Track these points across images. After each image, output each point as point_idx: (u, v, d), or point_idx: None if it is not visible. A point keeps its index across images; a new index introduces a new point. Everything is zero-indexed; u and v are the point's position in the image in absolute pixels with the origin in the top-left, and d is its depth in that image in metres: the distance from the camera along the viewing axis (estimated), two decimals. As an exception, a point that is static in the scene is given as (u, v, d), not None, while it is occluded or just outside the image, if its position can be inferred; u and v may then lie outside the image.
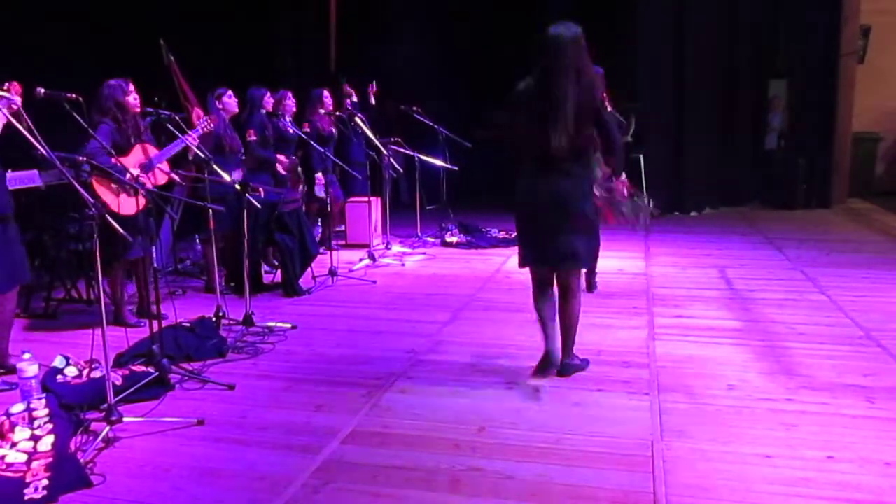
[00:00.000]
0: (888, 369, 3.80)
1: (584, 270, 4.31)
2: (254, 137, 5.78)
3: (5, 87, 3.40)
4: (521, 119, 3.51)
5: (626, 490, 2.66)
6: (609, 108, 3.63)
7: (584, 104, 3.37)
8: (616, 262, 6.47)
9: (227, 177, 4.64)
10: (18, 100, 3.46)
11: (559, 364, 3.70)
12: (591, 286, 5.44)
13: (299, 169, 6.44)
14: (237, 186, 4.52)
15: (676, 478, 2.73)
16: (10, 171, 4.58)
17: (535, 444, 3.04)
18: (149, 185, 4.52)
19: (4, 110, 3.35)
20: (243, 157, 5.71)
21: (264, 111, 6.02)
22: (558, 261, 3.61)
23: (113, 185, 4.35)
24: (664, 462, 2.85)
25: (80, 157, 3.57)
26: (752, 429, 3.14)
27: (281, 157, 6.11)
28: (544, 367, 3.68)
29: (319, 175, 6.60)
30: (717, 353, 4.12)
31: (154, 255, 4.11)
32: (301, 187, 6.49)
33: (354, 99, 7.63)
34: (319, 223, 7.21)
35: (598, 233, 3.79)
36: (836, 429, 3.12)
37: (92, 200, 3.01)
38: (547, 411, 3.36)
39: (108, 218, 2.99)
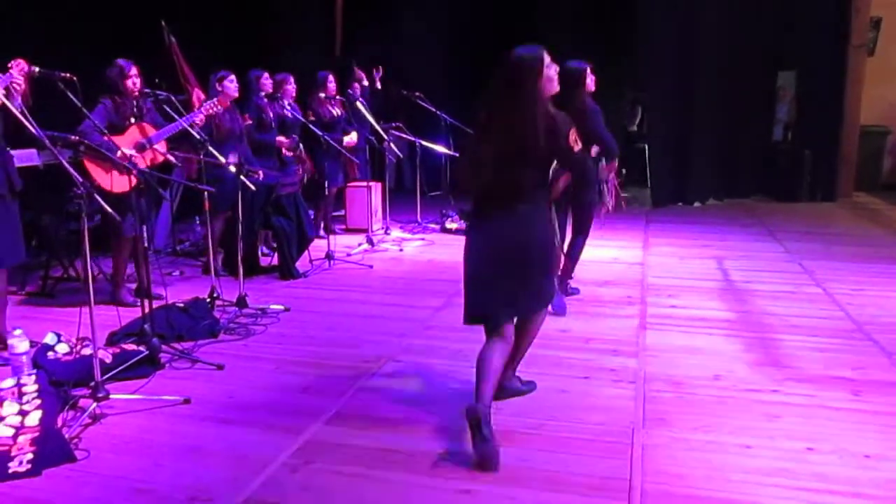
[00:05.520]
0: (877, 363, 3.80)
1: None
2: (248, 122, 5.78)
3: (10, 66, 3.43)
4: (475, 145, 3.06)
5: (603, 476, 2.67)
6: (578, 147, 2.99)
7: (528, 140, 2.90)
8: (613, 251, 6.47)
9: (222, 159, 4.66)
10: (22, 80, 3.48)
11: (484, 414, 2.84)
12: (566, 290, 5.02)
13: (301, 148, 6.44)
14: (232, 169, 4.54)
15: (654, 465, 2.75)
16: (8, 149, 4.61)
17: (518, 429, 3.06)
18: (143, 165, 4.55)
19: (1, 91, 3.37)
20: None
21: (263, 94, 6.02)
22: (528, 308, 3.16)
23: (104, 164, 4.37)
24: (643, 449, 2.87)
25: (73, 137, 3.58)
26: (734, 419, 3.14)
27: (281, 139, 6.12)
28: (476, 437, 2.79)
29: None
30: (707, 343, 4.11)
31: (147, 234, 4.13)
32: (302, 171, 6.50)
33: (365, 83, 7.63)
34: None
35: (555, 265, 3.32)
36: (819, 420, 3.13)
37: (80, 179, 3.03)
38: (532, 398, 3.37)
39: (97, 196, 3.01)
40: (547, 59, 2.97)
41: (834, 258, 6.19)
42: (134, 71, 4.56)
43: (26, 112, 3.18)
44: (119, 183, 4.40)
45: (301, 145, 6.35)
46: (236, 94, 5.56)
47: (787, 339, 4.15)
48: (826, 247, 6.67)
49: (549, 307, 3.36)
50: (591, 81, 4.73)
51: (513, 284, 3.03)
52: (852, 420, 3.13)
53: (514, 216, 3.00)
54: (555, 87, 3.03)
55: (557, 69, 3.04)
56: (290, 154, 6.24)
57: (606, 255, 6.29)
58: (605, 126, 4.76)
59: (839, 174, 9.56)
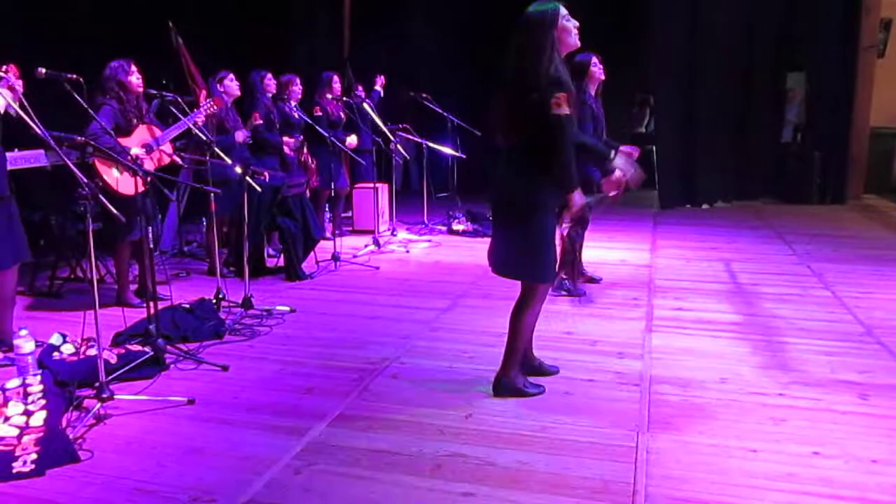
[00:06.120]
0: (885, 366, 3.76)
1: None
2: (259, 121, 5.81)
3: (3, 70, 3.43)
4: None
5: (605, 480, 2.65)
6: (562, 112, 2.93)
7: (520, 97, 3.00)
8: (620, 252, 6.45)
9: (228, 160, 4.67)
10: (20, 83, 3.49)
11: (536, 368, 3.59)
12: (575, 289, 5.05)
13: (305, 149, 6.45)
14: (237, 170, 4.55)
15: (658, 469, 2.73)
16: (16, 149, 4.64)
17: (521, 431, 3.04)
18: (151, 166, 4.57)
19: (5, 93, 3.38)
20: (249, 142, 5.74)
21: (269, 95, 6.03)
22: (493, 263, 3.35)
23: (115, 166, 4.39)
24: (647, 453, 2.85)
25: (80, 138, 3.59)
26: (739, 422, 3.11)
27: (286, 139, 6.14)
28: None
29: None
30: (713, 346, 4.09)
31: (154, 235, 4.14)
32: (307, 169, 6.51)
33: (377, 88, 7.65)
34: (327, 208, 7.22)
35: (544, 242, 3.18)
36: (825, 425, 3.10)
37: (86, 180, 3.04)
38: (535, 399, 3.35)
39: (102, 198, 3.01)
40: (563, 11, 3.00)
41: (843, 261, 6.15)
42: (134, 68, 4.57)
43: (31, 112, 3.19)
44: (130, 185, 4.42)
45: (306, 148, 6.37)
46: (238, 93, 5.59)
47: (794, 343, 4.12)
48: (835, 249, 6.63)
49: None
50: (598, 71, 4.73)
51: (493, 237, 3.32)
52: (859, 424, 3.10)
53: (501, 168, 3.16)
54: (573, 41, 3.07)
55: (577, 24, 3.06)
56: (292, 154, 6.24)
57: (613, 256, 6.27)
58: (593, 133, 4.68)
59: (849, 176, 9.51)
